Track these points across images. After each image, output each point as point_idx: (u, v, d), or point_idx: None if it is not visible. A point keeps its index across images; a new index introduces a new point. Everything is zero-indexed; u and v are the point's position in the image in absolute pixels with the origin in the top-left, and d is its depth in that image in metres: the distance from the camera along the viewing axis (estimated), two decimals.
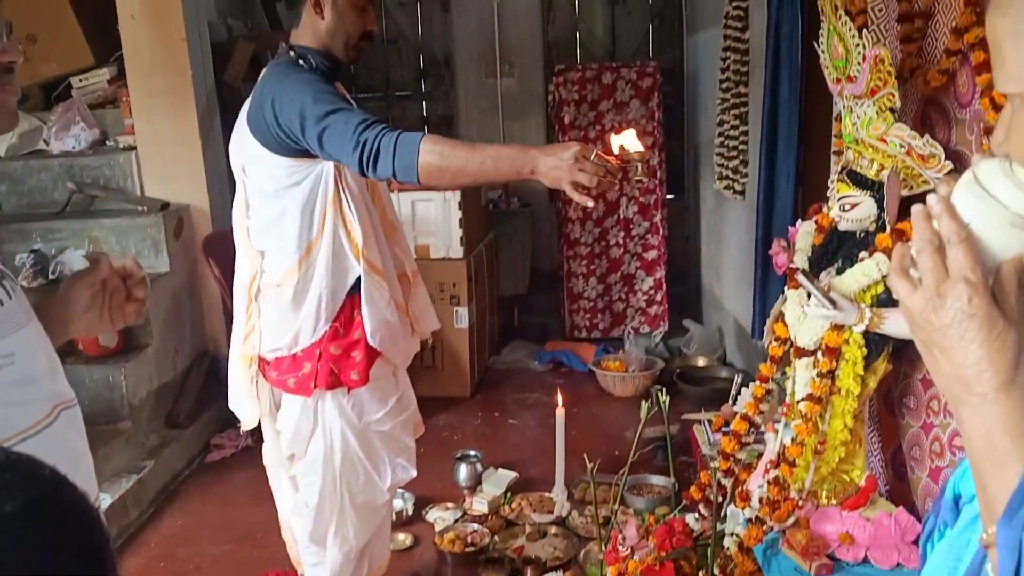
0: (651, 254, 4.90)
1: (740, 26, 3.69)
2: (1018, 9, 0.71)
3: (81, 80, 3.96)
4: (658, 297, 4.92)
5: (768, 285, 3.40)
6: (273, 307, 2.04)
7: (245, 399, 2.15)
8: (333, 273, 1.98)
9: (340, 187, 1.96)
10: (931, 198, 0.68)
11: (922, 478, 2.00)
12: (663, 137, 4.81)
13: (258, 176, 2.00)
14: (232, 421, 3.71)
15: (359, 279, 2.01)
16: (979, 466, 0.66)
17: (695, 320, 4.88)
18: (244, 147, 1.99)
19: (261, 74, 2.02)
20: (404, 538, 2.86)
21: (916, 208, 0.69)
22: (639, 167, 1.65)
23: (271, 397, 2.16)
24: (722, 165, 3.94)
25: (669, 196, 5.03)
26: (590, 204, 1.66)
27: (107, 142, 3.93)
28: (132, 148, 3.79)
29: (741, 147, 3.77)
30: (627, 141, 1.66)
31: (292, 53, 1.98)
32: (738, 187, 3.83)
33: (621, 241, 4.90)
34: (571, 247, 4.92)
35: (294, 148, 1.90)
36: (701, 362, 4.34)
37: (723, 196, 4.13)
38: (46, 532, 0.55)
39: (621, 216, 4.87)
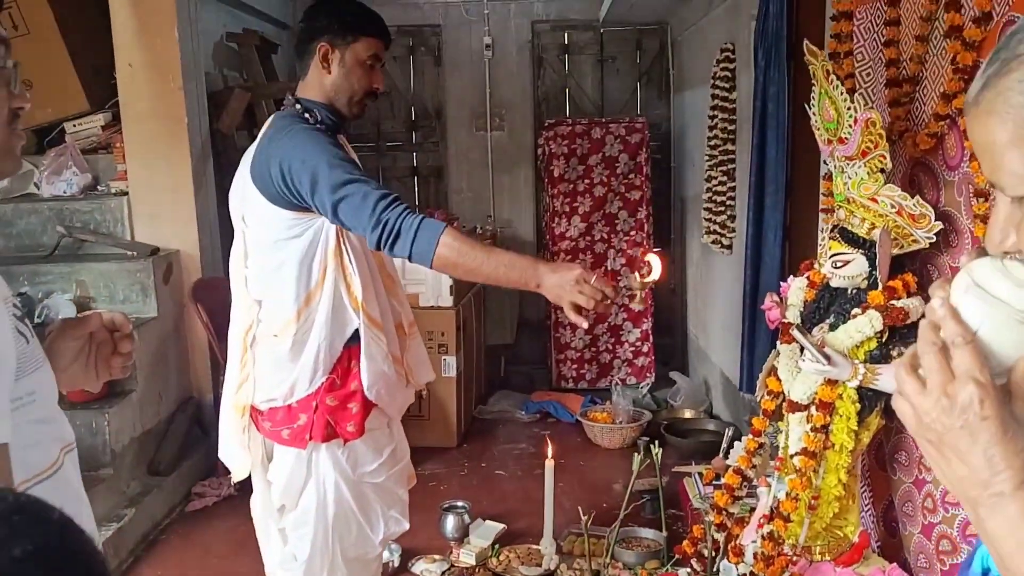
0: (638, 306, 4.93)
1: (727, 87, 3.78)
2: (1017, 119, 0.67)
3: (75, 125, 3.98)
4: (645, 349, 4.95)
5: (756, 339, 3.43)
6: (269, 357, 2.02)
7: (236, 449, 2.11)
8: (332, 325, 1.97)
9: (341, 240, 1.97)
10: (934, 302, 0.69)
11: (914, 534, 2.01)
12: (650, 191, 4.88)
13: (258, 227, 2.00)
14: (214, 470, 3.67)
15: (356, 331, 2.01)
16: (1012, 563, 0.64)
17: (681, 372, 4.90)
18: (245, 197, 1.99)
19: (267, 124, 2.03)
20: None
21: (923, 323, 0.69)
22: (639, 295, 1.82)
23: (263, 447, 2.14)
24: (710, 220, 4.01)
25: (656, 249, 5.09)
26: (584, 325, 1.78)
27: (99, 187, 3.93)
28: (124, 193, 3.79)
29: (729, 202, 3.84)
30: (655, 266, 1.77)
31: (298, 106, 2.00)
32: (725, 241, 3.89)
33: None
34: None
35: (297, 204, 1.91)
36: (688, 414, 4.35)
37: (710, 250, 4.19)
38: None
39: (608, 268, 4.92)
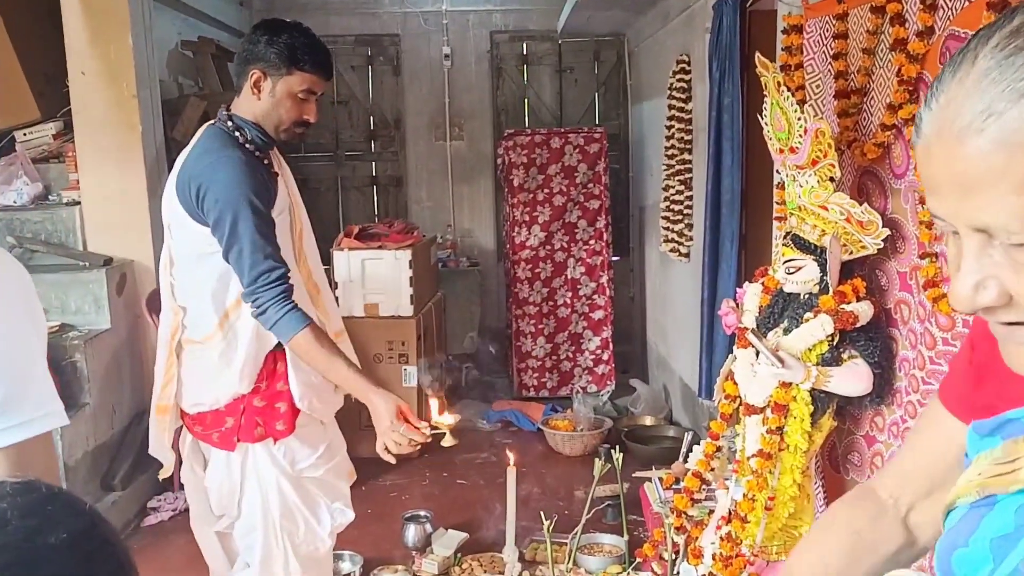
0: (598, 314, 4.98)
1: (684, 97, 3.85)
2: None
3: (25, 134, 3.90)
4: (605, 356, 4.99)
5: (715, 345, 3.48)
6: (195, 364, 2.05)
7: (162, 447, 2.16)
8: (256, 338, 2.00)
9: None
10: None
11: None
12: (609, 200, 4.94)
13: (181, 240, 2.02)
14: (169, 484, 3.61)
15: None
16: None
17: (641, 379, 4.95)
18: (170, 208, 2.02)
19: (197, 135, 2.04)
20: None
21: None
22: (447, 435, 1.99)
23: (200, 453, 2.15)
24: (668, 228, 4.06)
25: (615, 258, 5.14)
26: (392, 461, 1.98)
27: (50, 197, 3.86)
28: (76, 203, 3.73)
29: (686, 211, 3.89)
30: (438, 415, 2.02)
31: (230, 123, 2.01)
32: (683, 249, 3.94)
33: (569, 301, 4.97)
34: (520, 306, 4.97)
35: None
36: (648, 421, 4.39)
37: (668, 258, 4.24)
38: (84, 564, 0.57)
39: (569, 276, 4.95)
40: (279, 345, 2.02)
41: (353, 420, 2.32)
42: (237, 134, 2.00)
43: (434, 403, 2.08)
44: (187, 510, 3.47)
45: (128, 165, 3.68)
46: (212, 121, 2.05)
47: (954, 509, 0.70)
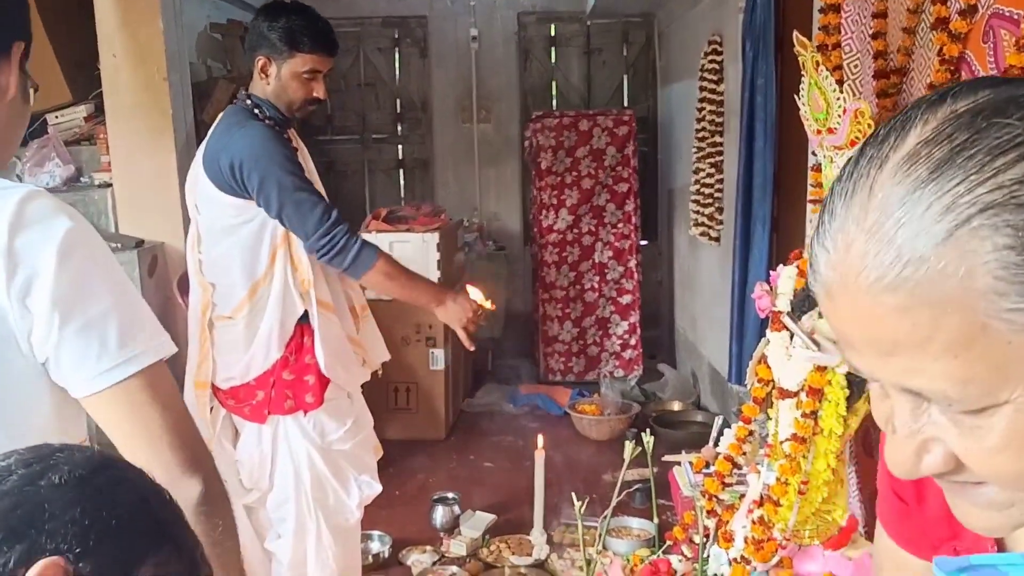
0: (625, 298, 4.96)
1: (715, 79, 3.80)
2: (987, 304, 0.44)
3: (57, 116, 3.95)
4: (632, 341, 4.97)
5: (745, 330, 3.46)
6: (225, 338, 2.12)
7: (200, 425, 2.17)
8: (282, 308, 2.07)
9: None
10: None
11: None
12: (638, 183, 4.90)
13: (208, 214, 2.09)
14: None
15: (307, 310, 2.10)
16: None
17: (669, 364, 4.92)
18: (197, 184, 2.09)
19: (220, 117, 2.12)
20: None
21: None
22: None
23: (231, 428, 2.21)
24: (698, 212, 4.03)
25: (643, 242, 5.11)
26: (470, 348, 2.29)
27: (82, 179, 3.90)
28: (108, 185, 3.77)
29: (716, 194, 3.86)
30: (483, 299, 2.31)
31: (249, 101, 2.09)
32: (713, 233, 3.91)
33: (596, 285, 4.95)
34: (546, 290, 4.96)
35: (245, 194, 2.02)
36: (676, 406, 4.37)
37: (698, 242, 4.21)
38: (94, 498, 0.55)
39: (596, 261, 4.93)
40: (305, 318, 2.09)
41: (381, 402, 2.39)
42: (256, 111, 2.07)
43: (474, 290, 2.31)
44: None
45: (159, 148, 3.71)
46: (234, 102, 2.13)
47: None
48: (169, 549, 0.58)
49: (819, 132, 1.94)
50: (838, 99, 1.82)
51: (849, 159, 0.51)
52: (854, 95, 1.85)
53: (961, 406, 0.47)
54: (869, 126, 1.78)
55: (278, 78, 2.05)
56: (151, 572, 0.56)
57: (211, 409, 2.17)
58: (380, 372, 2.35)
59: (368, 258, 2.03)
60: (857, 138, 1.81)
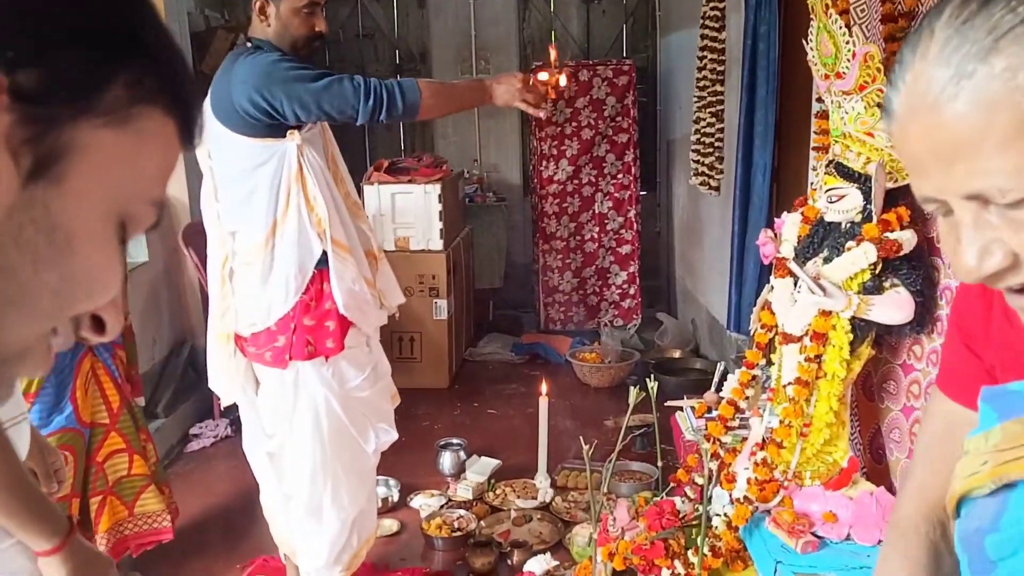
0: (625, 249, 4.98)
1: (717, 26, 3.77)
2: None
3: None
4: (631, 291, 5.01)
5: (744, 278, 3.49)
6: (246, 285, 2.14)
7: (223, 376, 2.23)
8: (299, 248, 2.09)
9: (303, 166, 2.07)
10: None
11: (901, 459, 2.09)
12: (637, 134, 4.89)
13: (224, 159, 2.09)
14: (211, 411, 3.71)
15: (325, 253, 2.12)
16: None
17: (668, 313, 4.97)
18: (209, 132, 2.06)
19: (224, 63, 2.10)
20: (391, 524, 2.89)
21: None
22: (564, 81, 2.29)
23: (249, 375, 2.24)
24: (698, 161, 4.03)
25: (642, 192, 5.12)
26: (541, 116, 2.35)
27: None
28: None
29: (717, 144, 3.86)
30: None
31: (249, 44, 2.08)
32: (713, 183, 3.92)
33: (596, 236, 4.97)
34: (546, 241, 4.98)
35: (259, 127, 2.01)
36: (676, 354, 4.43)
37: (697, 192, 4.22)
38: None
39: (596, 211, 4.95)
40: (323, 261, 2.10)
41: (386, 351, 2.43)
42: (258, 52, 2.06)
43: (543, 75, 2.38)
44: (228, 437, 3.60)
45: None
46: (233, 51, 2.12)
47: (968, 499, 0.69)
48: (144, 62, 0.46)
49: (827, 77, 1.95)
50: (847, 43, 1.82)
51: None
52: (863, 38, 1.85)
53: (1016, 194, 0.56)
54: (878, 70, 1.79)
55: (278, 17, 2.04)
56: (123, 93, 0.45)
57: (231, 357, 2.19)
58: (397, 315, 2.37)
59: (412, 90, 2.03)
60: (866, 82, 1.82)
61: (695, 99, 4.01)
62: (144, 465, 2.28)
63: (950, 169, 0.57)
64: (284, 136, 2.04)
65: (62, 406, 2.15)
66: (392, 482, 3.06)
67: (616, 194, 4.92)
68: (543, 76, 2.37)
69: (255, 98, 1.96)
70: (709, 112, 3.89)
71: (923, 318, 1.92)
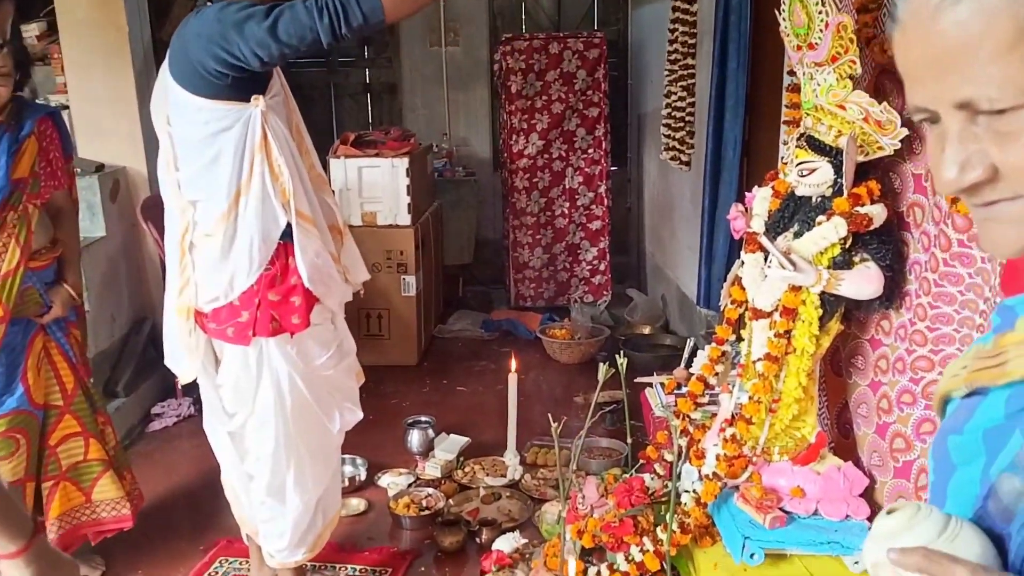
0: (595, 224, 4.95)
1: None
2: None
3: None
4: (602, 267, 4.99)
5: (714, 254, 3.48)
6: (206, 257, 2.05)
7: (182, 353, 2.15)
8: (263, 219, 2.01)
9: (267, 133, 1.98)
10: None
11: (868, 434, 2.09)
12: (608, 108, 4.84)
13: (184, 123, 2.00)
14: (172, 390, 3.64)
15: (290, 226, 2.04)
16: None
17: (638, 289, 4.96)
18: (167, 98, 1.99)
19: (180, 24, 2.01)
20: (357, 503, 2.85)
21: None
22: None
23: (209, 352, 2.16)
24: (668, 136, 4.00)
25: (613, 167, 5.08)
26: None
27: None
28: (64, 107, 3.62)
29: (688, 118, 3.82)
30: None
31: (210, 2, 1.99)
32: (684, 158, 3.89)
33: (566, 211, 4.93)
34: (516, 217, 4.93)
35: (222, 86, 1.91)
36: (646, 330, 4.42)
37: (668, 167, 4.19)
38: None
39: (566, 186, 4.90)
40: (288, 235, 2.02)
41: (353, 328, 2.37)
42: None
43: None
44: (191, 416, 3.53)
45: (116, 67, 3.57)
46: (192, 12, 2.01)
47: (950, 401, 0.73)
48: None
49: (799, 48, 1.91)
50: (820, 13, 1.79)
51: None
52: (836, 8, 1.82)
53: (1002, 103, 0.57)
54: (851, 40, 1.76)
55: None
56: None
57: (191, 334, 2.11)
58: (362, 292, 2.31)
59: None
60: (839, 53, 1.79)
61: (666, 72, 3.97)
62: (101, 449, 2.21)
63: (944, 76, 0.59)
64: (247, 99, 1.95)
65: (13, 387, 2.07)
66: (359, 461, 3.02)
67: (587, 169, 4.88)
68: None
69: (214, 50, 1.86)
70: (680, 86, 3.85)
71: (892, 293, 1.91)
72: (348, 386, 2.28)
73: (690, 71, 3.79)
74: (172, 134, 2.03)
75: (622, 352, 2.46)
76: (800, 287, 1.88)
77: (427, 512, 2.73)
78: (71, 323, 2.26)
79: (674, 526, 2.03)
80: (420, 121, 5.53)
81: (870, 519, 2.00)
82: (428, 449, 3.13)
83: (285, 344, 2.08)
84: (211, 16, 1.88)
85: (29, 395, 2.09)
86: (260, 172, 1.98)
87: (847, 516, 1.99)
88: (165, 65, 1.99)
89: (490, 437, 3.28)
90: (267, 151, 1.98)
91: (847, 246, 1.86)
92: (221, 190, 1.98)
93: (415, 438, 3.14)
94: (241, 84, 1.93)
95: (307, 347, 2.12)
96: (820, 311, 1.90)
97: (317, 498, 2.21)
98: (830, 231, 1.83)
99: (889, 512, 0.69)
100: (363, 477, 3.00)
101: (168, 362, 2.21)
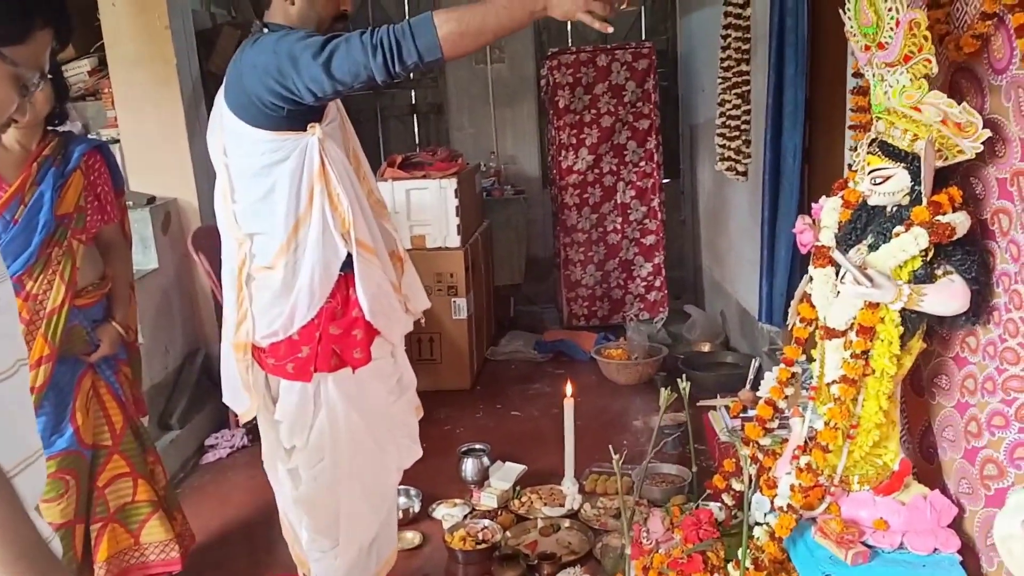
0: (649, 239, 4.83)
1: (741, 3, 3.61)
2: None
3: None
4: (657, 283, 4.85)
5: (775, 267, 3.33)
6: (265, 291, 1.99)
7: (240, 391, 2.08)
8: (324, 248, 1.93)
9: (325, 162, 1.91)
10: None
11: (956, 459, 1.93)
12: (659, 120, 4.72)
13: (241, 155, 1.94)
14: (226, 421, 3.62)
15: (350, 256, 1.97)
16: None
17: (695, 305, 4.81)
18: (223, 127, 1.93)
19: (236, 53, 1.95)
20: (412, 536, 2.77)
21: None
22: None
23: (267, 388, 2.09)
24: (724, 146, 3.87)
25: (665, 180, 4.96)
26: (609, 30, 1.73)
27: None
28: (116, 141, 3.66)
29: (743, 127, 3.69)
30: None
31: (266, 30, 1.90)
32: (741, 168, 3.75)
33: (619, 227, 4.82)
34: (568, 234, 4.83)
35: (278, 118, 1.85)
36: (705, 347, 4.27)
37: (723, 178, 4.05)
38: None
39: (618, 201, 4.79)
40: (348, 265, 1.95)
41: (412, 354, 2.28)
42: None
43: None
44: (245, 447, 3.51)
45: (165, 100, 3.60)
46: (247, 40, 1.94)
47: None
48: None
49: (867, 48, 1.79)
50: (890, 10, 1.66)
51: None
52: (907, 5, 1.69)
53: None
54: (925, 38, 1.63)
55: None
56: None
57: (250, 371, 2.04)
58: (423, 321, 2.22)
59: (425, 27, 1.69)
60: (912, 52, 1.66)
61: (719, 80, 3.84)
62: (150, 490, 2.16)
63: None
64: (304, 128, 1.88)
65: (62, 427, 2.04)
66: (413, 492, 2.94)
67: (638, 183, 4.76)
68: None
69: (268, 83, 1.79)
70: (734, 94, 3.72)
71: (978, 307, 1.76)
72: (408, 422, 2.19)
73: (744, 78, 3.66)
74: (228, 165, 1.97)
75: (684, 375, 2.33)
76: (878, 304, 1.74)
77: (484, 545, 2.63)
78: (121, 360, 2.23)
79: (747, 563, 1.90)
80: (467, 140, 5.48)
81: (960, 552, 1.84)
82: (483, 478, 3.04)
83: (345, 380, 2.01)
84: (268, 47, 1.81)
85: (79, 435, 2.06)
86: (320, 202, 1.91)
87: (935, 549, 1.84)
88: (221, 94, 1.94)
89: (547, 464, 3.17)
90: (326, 180, 1.91)
91: (928, 258, 1.72)
92: (279, 222, 1.92)
93: (470, 467, 3.06)
94: (298, 115, 1.86)
95: (367, 382, 2.04)
96: (901, 329, 1.76)
97: (371, 539, 2.12)
98: (910, 243, 1.70)
99: None
100: (417, 508, 2.92)
101: (227, 399, 2.15)
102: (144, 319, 3.36)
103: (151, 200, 3.55)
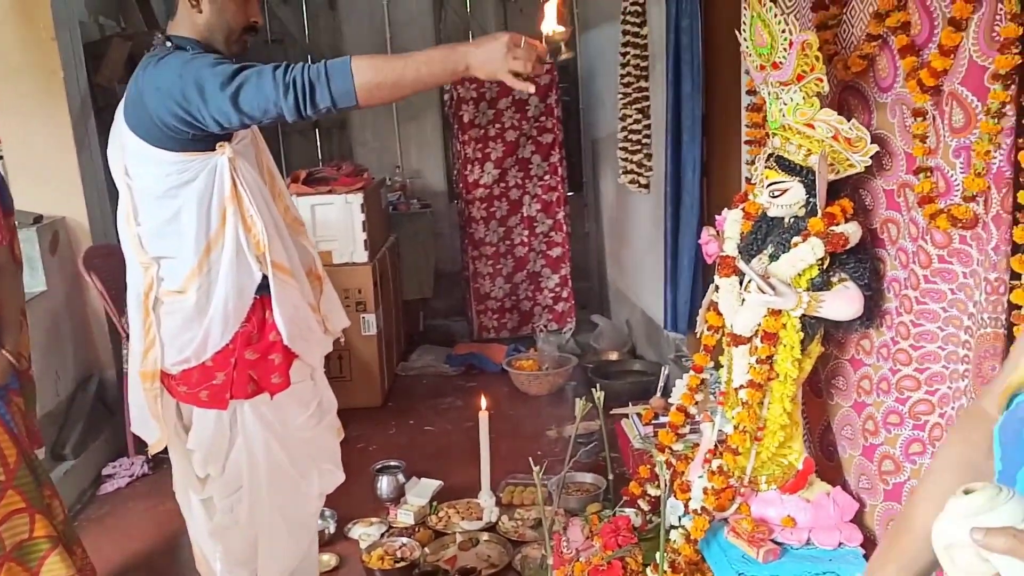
0: (556, 251, 4.90)
1: (638, 21, 3.72)
2: None
3: None
4: (564, 294, 4.93)
5: (679, 276, 3.43)
6: (176, 315, 1.90)
7: (150, 420, 1.98)
8: (238, 271, 1.86)
9: (237, 182, 1.84)
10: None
11: (855, 456, 2.04)
12: (562, 134, 4.81)
13: (145, 176, 1.84)
14: (125, 449, 3.46)
15: (266, 278, 1.90)
16: None
17: (601, 315, 4.90)
18: (124, 147, 1.83)
19: (137, 68, 1.86)
20: (328, 559, 2.71)
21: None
22: (562, 45, 1.74)
23: (179, 416, 2.00)
24: (626, 159, 3.97)
25: (569, 193, 5.04)
26: (531, 90, 1.71)
27: None
28: None
29: (644, 141, 3.80)
30: (549, 19, 1.72)
31: (169, 43, 1.82)
32: (643, 180, 3.86)
33: (526, 239, 4.87)
34: (475, 247, 4.85)
35: (183, 139, 1.77)
36: (613, 356, 4.35)
37: (626, 190, 4.16)
38: None
39: (524, 214, 4.85)
40: (264, 287, 1.89)
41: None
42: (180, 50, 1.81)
43: (550, 8, 1.73)
44: (145, 475, 3.36)
45: (52, 113, 3.43)
46: (150, 51, 1.85)
47: (1017, 395, 0.75)
48: None
49: (763, 68, 1.87)
50: (783, 32, 1.75)
51: None
52: (798, 27, 1.78)
53: None
54: (817, 59, 1.73)
55: (212, 1, 1.80)
56: None
57: (157, 398, 1.94)
58: (343, 340, 2.16)
59: (343, 74, 1.65)
60: (804, 72, 1.75)
61: (620, 96, 3.95)
62: (48, 526, 2.04)
63: None
64: (212, 148, 1.79)
65: None
66: (328, 512, 2.87)
67: (544, 196, 4.83)
68: (551, 22, 1.72)
69: (172, 107, 1.71)
70: (635, 109, 3.83)
71: (871, 312, 1.87)
72: (328, 446, 2.14)
73: (644, 93, 3.77)
74: (131, 186, 1.86)
75: (598, 385, 2.38)
76: (780, 311, 1.83)
77: (403, 563, 2.60)
78: (12, 391, 2.10)
79: (665, 566, 1.95)
80: (371, 155, 5.44)
81: (863, 545, 1.94)
82: (399, 495, 3.01)
83: (263, 406, 1.94)
84: (174, 69, 1.72)
85: None
86: (233, 223, 1.83)
87: (840, 544, 1.93)
88: (120, 113, 1.84)
89: (462, 478, 3.16)
90: (239, 201, 1.83)
91: (824, 267, 1.82)
92: (188, 245, 1.83)
93: (385, 484, 3.02)
94: (204, 136, 1.78)
95: (285, 408, 1.98)
96: (801, 334, 1.85)
97: (291, 571, 2.06)
98: (807, 252, 1.79)
99: (966, 492, 0.67)
100: (332, 529, 2.86)
101: (135, 429, 2.05)
102: (34, 344, 3.16)
103: (38, 219, 3.37)
